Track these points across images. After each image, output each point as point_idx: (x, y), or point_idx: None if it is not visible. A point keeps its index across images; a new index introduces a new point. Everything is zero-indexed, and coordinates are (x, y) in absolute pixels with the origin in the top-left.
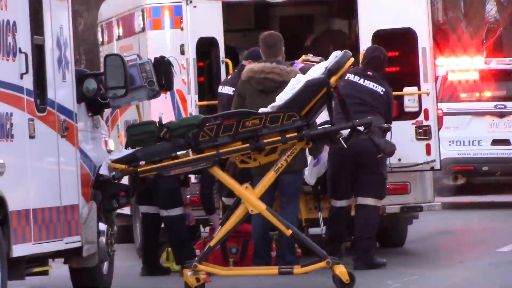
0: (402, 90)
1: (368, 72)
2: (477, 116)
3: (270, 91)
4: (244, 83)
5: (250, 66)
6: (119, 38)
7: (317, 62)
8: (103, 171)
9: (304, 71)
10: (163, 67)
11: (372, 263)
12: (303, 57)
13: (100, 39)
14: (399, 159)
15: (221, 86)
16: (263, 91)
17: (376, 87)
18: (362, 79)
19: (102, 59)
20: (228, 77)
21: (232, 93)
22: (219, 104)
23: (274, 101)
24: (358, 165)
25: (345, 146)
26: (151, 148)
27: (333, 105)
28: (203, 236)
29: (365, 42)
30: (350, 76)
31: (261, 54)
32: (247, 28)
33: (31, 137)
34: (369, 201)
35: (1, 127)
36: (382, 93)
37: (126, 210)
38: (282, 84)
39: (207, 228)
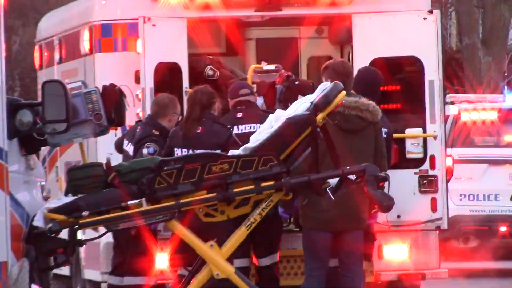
0: (403, 132)
1: None
2: (495, 165)
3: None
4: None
5: None
6: (61, 61)
7: (274, 71)
8: (38, 222)
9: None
10: (113, 97)
11: None
12: (254, 66)
13: (38, 62)
14: (398, 216)
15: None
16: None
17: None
18: None
19: (39, 86)
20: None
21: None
22: None
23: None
24: None
25: (333, 198)
26: (97, 196)
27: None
28: None
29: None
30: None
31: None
32: (217, 52)
33: None
34: None
35: None
36: (385, 135)
37: (65, 271)
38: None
39: None
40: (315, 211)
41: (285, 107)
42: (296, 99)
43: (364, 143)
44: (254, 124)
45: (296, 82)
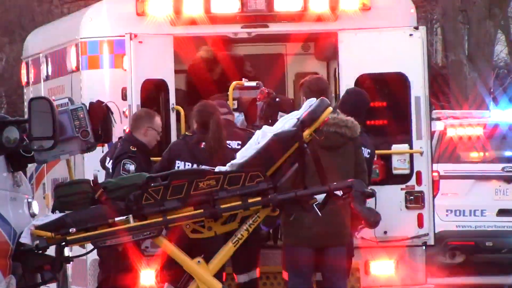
0: (390, 148)
1: None
2: (481, 181)
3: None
4: None
5: None
6: (47, 78)
7: (255, 88)
8: (25, 239)
9: None
10: (100, 114)
11: None
12: (235, 82)
13: (25, 79)
14: (385, 232)
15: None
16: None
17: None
18: None
19: (26, 103)
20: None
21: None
22: None
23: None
24: None
25: (320, 214)
26: (84, 213)
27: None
28: None
29: (346, 88)
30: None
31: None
32: None
33: None
34: None
35: None
36: (368, 156)
37: None
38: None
39: None
40: (298, 228)
41: (266, 123)
42: (276, 115)
43: (344, 159)
44: (233, 142)
45: (277, 99)
